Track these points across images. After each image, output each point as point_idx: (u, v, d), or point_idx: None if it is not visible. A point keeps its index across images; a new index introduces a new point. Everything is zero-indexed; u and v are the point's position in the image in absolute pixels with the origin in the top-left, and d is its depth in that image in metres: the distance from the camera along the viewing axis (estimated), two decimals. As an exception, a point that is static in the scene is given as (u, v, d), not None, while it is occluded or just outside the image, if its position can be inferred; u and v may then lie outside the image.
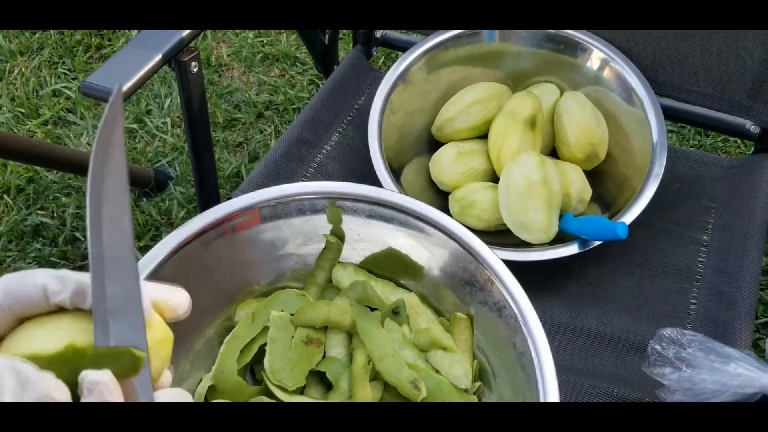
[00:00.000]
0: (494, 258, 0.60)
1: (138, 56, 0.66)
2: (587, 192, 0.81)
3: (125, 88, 0.63)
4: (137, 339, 0.32)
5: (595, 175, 0.84)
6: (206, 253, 0.61)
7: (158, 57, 0.67)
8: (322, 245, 0.66)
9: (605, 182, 0.84)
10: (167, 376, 0.37)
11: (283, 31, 1.66)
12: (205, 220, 0.60)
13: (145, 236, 1.27)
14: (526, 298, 0.57)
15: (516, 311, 0.57)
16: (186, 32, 0.68)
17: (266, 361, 0.60)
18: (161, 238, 1.32)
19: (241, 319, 0.63)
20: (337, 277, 0.66)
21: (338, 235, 0.66)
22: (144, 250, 1.26)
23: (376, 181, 0.76)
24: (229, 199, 0.67)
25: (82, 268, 1.25)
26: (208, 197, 0.83)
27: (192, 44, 0.72)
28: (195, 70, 0.69)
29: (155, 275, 0.58)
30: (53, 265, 1.24)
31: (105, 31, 1.64)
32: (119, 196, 0.34)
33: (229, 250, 0.63)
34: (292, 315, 0.63)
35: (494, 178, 0.83)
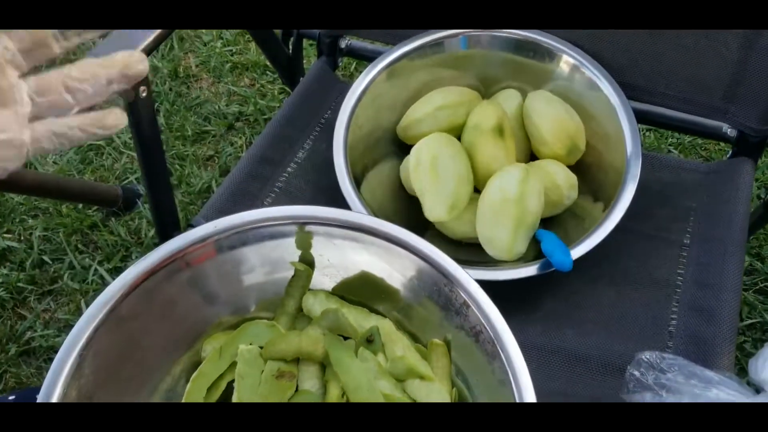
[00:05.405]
0: (469, 280, 0.57)
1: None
2: (572, 177, 0.79)
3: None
4: None
5: (578, 171, 0.81)
6: (168, 287, 0.59)
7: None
8: (291, 272, 0.63)
9: (591, 172, 0.81)
10: None
11: (251, 39, 1.63)
12: (164, 253, 0.58)
13: (114, 257, 1.24)
14: (503, 323, 0.55)
15: (493, 336, 0.55)
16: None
17: (234, 399, 0.57)
18: (131, 259, 1.28)
19: (208, 355, 0.60)
20: (307, 306, 0.63)
21: (308, 261, 0.63)
22: (113, 272, 1.22)
23: (343, 199, 0.74)
24: (190, 226, 0.64)
25: (51, 293, 1.21)
26: (166, 227, 0.79)
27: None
28: (144, 95, 0.66)
29: (114, 312, 0.55)
30: (20, 291, 1.21)
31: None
32: None
33: (192, 282, 0.60)
34: (261, 348, 0.60)
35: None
